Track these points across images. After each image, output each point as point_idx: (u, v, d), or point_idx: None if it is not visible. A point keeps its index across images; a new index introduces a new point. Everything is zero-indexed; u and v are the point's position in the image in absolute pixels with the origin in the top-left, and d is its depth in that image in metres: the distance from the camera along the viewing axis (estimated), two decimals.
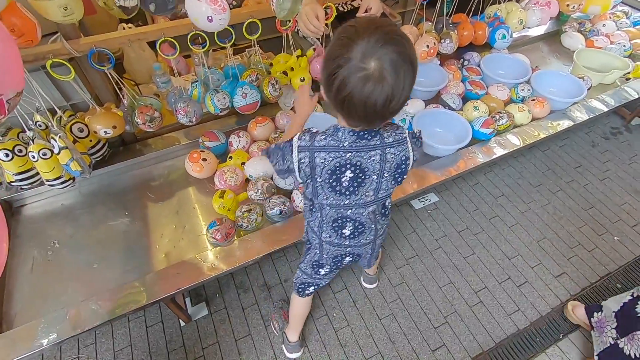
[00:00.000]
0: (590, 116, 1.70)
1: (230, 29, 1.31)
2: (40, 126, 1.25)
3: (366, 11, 1.27)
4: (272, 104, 1.63)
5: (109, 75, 1.26)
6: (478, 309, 1.44)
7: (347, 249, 1.03)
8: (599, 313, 1.28)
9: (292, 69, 1.52)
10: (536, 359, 1.32)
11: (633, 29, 2.14)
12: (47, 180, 1.26)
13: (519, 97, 1.72)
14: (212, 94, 1.40)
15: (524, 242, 1.65)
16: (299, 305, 1.26)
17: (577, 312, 1.37)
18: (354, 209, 0.90)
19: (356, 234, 0.97)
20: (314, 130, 0.83)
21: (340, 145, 0.78)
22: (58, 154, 1.20)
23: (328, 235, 0.99)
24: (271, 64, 1.57)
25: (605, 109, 1.73)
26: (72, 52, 1.16)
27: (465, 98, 1.71)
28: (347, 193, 0.85)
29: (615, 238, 1.67)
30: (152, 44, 1.62)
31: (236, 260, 1.17)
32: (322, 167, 0.80)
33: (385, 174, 0.83)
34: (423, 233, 1.67)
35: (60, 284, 1.16)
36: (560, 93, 1.74)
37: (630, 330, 1.11)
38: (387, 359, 1.32)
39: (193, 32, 1.27)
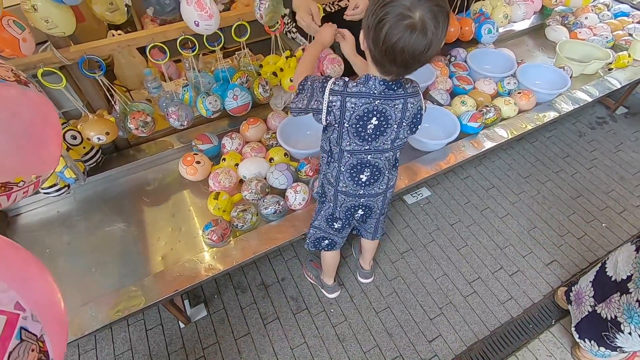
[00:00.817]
0: (575, 107, 1.74)
1: (219, 32, 1.33)
2: None
3: (354, 9, 1.29)
4: (264, 105, 1.65)
5: (100, 82, 1.27)
6: (472, 299, 1.47)
7: (361, 200, 1.08)
8: (576, 286, 1.33)
9: (281, 69, 1.54)
10: (529, 345, 1.35)
11: (615, 21, 2.19)
12: (42, 189, 1.28)
13: (505, 91, 1.75)
14: (204, 97, 1.41)
15: (515, 232, 1.68)
16: (328, 258, 1.37)
17: (565, 297, 1.41)
18: (373, 154, 0.97)
19: (372, 180, 1.03)
20: (346, 79, 0.89)
21: (371, 93, 0.85)
22: None
23: (344, 184, 1.04)
24: (261, 66, 1.59)
25: (590, 100, 1.77)
26: (63, 61, 1.17)
27: (453, 93, 1.74)
28: (369, 139, 0.92)
29: (604, 225, 1.71)
30: (142, 50, 1.64)
31: (233, 260, 1.19)
32: (351, 112, 0.87)
33: (404, 123, 0.92)
34: (416, 227, 1.70)
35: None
36: (545, 85, 1.78)
37: (607, 295, 1.15)
38: (384, 352, 1.35)
39: (182, 37, 1.29)
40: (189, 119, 1.41)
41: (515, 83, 1.75)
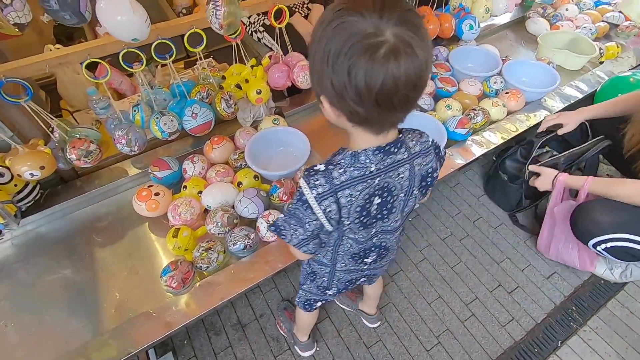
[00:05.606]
0: (566, 104, 1.63)
1: (169, 43, 1.15)
2: None
3: None
4: (230, 120, 1.48)
5: (29, 109, 1.07)
6: (471, 324, 1.34)
7: (365, 272, 0.92)
8: None
9: (246, 80, 1.37)
10: None
11: (594, 11, 2.10)
12: None
13: (492, 91, 1.63)
14: (157, 118, 1.23)
15: (511, 244, 1.56)
16: (306, 319, 1.18)
17: None
18: (380, 236, 0.78)
19: (378, 259, 0.86)
20: (320, 167, 0.64)
21: (367, 173, 0.63)
22: None
23: (344, 264, 0.86)
24: (223, 77, 1.42)
25: (580, 96, 1.67)
26: None
27: (437, 96, 1.61)
28: (375, 221, 0.72)
29: None
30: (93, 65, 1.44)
31: (196, 309, 1.02)
32: (349, 207, 0.65)
33: (415, 191, 0.71)
34: (406, 245, 1.56)
35: None
36: (533, 83, 1.67)
37: None
38: None
39: (125, 50, 1.11)
40: (140, 144, 1.23)
41: (501, 82, 1.63)
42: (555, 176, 1.33)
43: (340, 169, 0.63)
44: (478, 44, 1.88)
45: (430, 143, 0.70)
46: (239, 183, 1.26)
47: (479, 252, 1.54)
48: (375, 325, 1.34)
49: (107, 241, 1.23)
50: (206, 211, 1.22)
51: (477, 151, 1.42)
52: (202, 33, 1.20)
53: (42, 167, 1.11)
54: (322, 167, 0.64)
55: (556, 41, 1.88)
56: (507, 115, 1.56)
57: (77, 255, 1.20)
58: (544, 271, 1.48)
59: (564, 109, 1.60)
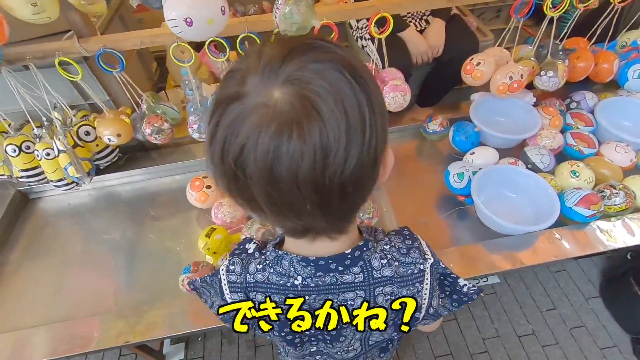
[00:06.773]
0: None
1: (255, 37, 1.10)
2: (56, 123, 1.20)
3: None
4: None
5: (119, 79, 1.14)
6: None
7: None
8: None
9: None
10: None
11: None
12: (51, 181, 1.22)
13: None
14: None
15: None
16: None
17: None
18: (325, 357, 0.60)
19: None
20: (249, 249, 0.51)
21: (290, 285, 0.46)
22: (57, 156, 1.14)
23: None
24: None
25: None
26: (81, 51, 1.07)
27: (562, 156, 1.24)
28: (315, 341, 0.55)
29: None
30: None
31: (201, 322, 0.95)
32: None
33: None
34: (467, 324, 1.25)
35: (14, 303, 1.08)
36: None
37: None
38: None
39: (211, 40, 1.09)
40: None
41: None
42: None
43: (259, 264, 0.48)
44: None
45: (417, 270, 0.46)
46: None
47: None
48: None
49: (158, 217, 1.27)
50: (250, 217, 1.15)
51: (602, 243, 1.04)
52: None
53: (119, 135, 1.18)
54: (251, 249, 0.49)
55: None
56: None
57: (133, 222, 1.26)
58: None
59: None
